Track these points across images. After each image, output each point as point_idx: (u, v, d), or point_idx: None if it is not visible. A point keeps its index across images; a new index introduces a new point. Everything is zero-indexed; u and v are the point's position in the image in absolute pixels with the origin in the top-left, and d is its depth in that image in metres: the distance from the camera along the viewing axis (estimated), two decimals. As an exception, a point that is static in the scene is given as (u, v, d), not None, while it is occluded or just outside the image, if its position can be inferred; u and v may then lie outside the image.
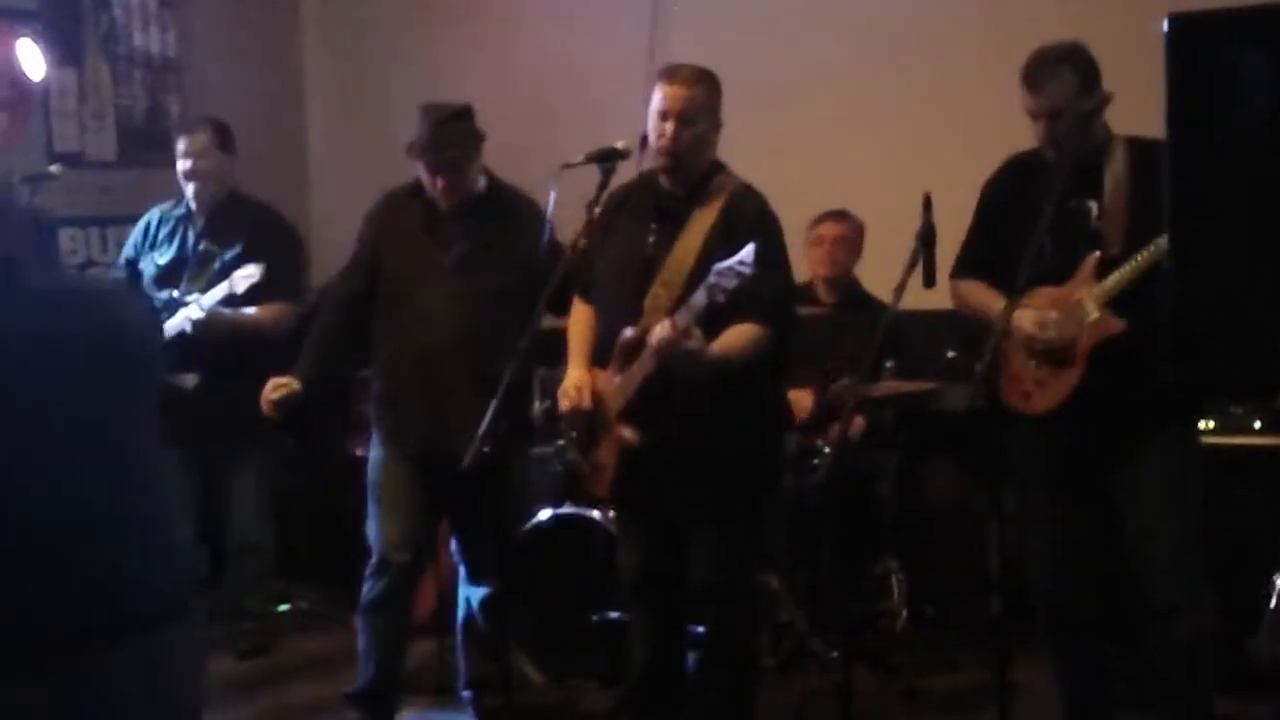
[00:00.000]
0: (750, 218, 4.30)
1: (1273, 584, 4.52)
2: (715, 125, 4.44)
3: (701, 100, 4.40)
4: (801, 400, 5.81)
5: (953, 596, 6.03)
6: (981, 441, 4.44)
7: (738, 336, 4.22)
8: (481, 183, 5.02)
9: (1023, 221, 4.20)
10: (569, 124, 6.86)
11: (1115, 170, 4.34)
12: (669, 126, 4.36)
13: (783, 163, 6.72)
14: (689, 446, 4.34)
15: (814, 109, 6.74)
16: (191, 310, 5.63)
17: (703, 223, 4.33)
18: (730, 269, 4.00)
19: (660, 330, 4.14)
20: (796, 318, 4.66)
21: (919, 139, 6.51)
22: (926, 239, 4.18)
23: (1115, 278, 4.22)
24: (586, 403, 4.46)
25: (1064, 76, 4.27)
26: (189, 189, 6.04)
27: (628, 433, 4.37)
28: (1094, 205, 4.32)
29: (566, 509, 5.51)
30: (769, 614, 5.55)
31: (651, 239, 4.41)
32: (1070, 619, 4.52)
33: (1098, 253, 4.28)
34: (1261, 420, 5.35)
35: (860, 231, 6.16)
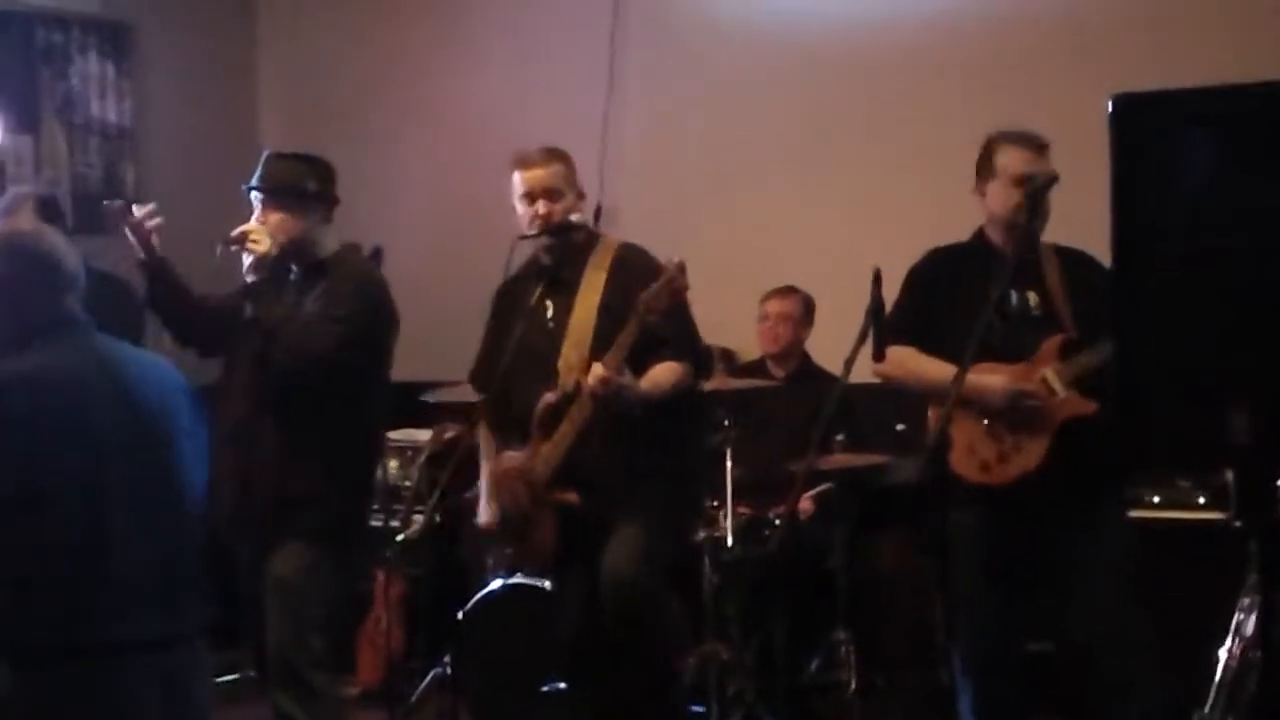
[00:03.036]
0: (640, 264, 4.47)
1: (1218, 658, 4.54)
2: (580, 194, 4.62)
3: (562, 174, 4.57)
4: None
5: (903, 666, 6.05)
6: (931, 514, 4.47)
7: (663, 371, 4.39)
8: (326, 250, 4.73)
9: (959, 301, 4.25)
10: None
11: (1051, 263, 4.44)
12: (540, 206, 4.53)
13: (734, 237, 6.81)
14: (617, 499, 4.46)
15: (765, 184, 6.81)
16: None
17: (595, 281, 4.50)
18: (661, 290, 4.13)
19: (595, 372, 4.24)
20: (709, 356, 4.84)
21: (869, 214, 6.58)
22: (877, 313, 4.22)
23: (1082, 360, 4.27)
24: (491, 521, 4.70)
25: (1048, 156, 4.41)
26: None
27: (569, 496, 4.45)
28: (1034, 296, 4.40)
29: (517, 579, 5.51)
30: (719, 685, 5.54)
31: (550, 311, 4.57)
32: (1000, 695, 4.50)
33: (1061, 336, 4.34)
34: (1205, 495, 5.40)
35: (808, 306, 6.21)
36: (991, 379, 4.31)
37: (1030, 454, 4.33)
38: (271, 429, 4.50)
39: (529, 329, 4.57)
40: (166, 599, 3.34)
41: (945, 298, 4.41)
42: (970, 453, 4.41)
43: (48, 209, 5.76)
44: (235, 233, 4.50)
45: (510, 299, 4.68)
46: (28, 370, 3.26)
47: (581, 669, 4.71)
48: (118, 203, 4.64)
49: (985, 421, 4.39)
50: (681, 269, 4.21)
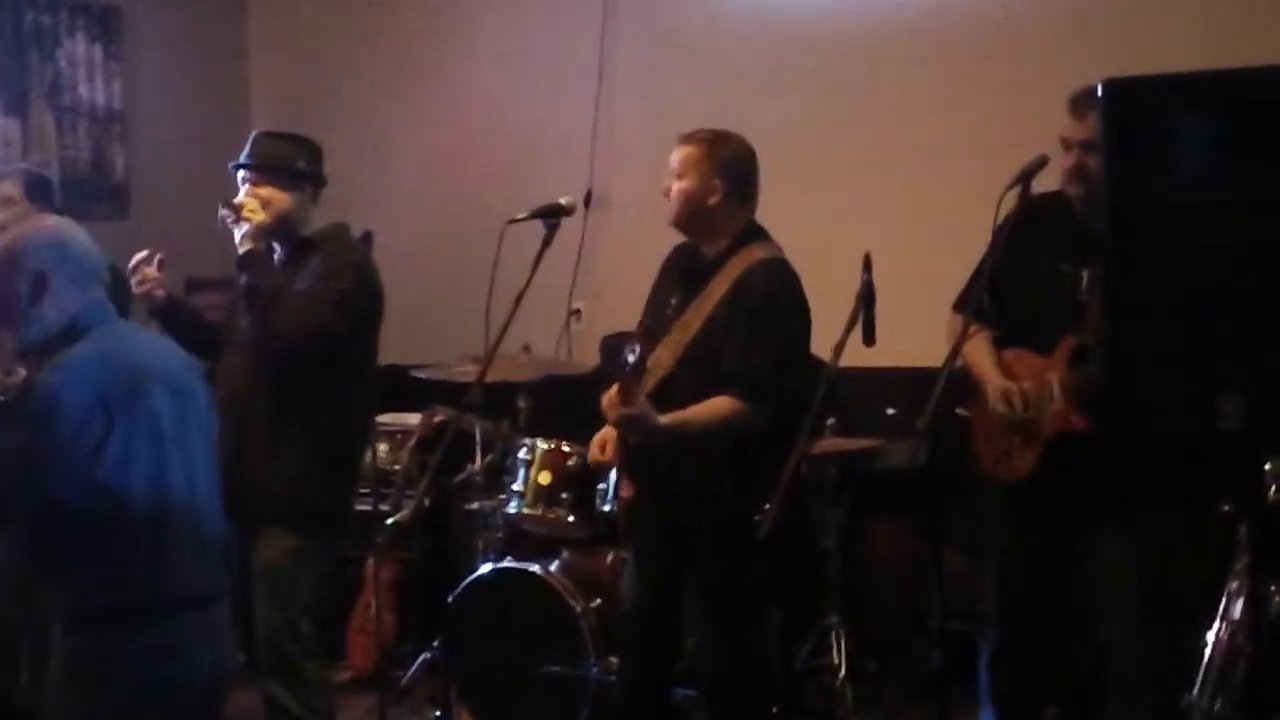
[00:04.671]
0: (757, 292, 4.30)
1: (1206, 642, 4.54)
2: (712, 186, 4.39)
3: (690, 156, 4.42)
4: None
5: (894, 651, 6.06)
6: (923, 497, 4.47)
7: (707, 408, 4.22)
8: (311, 228, 4.72)
9: (1030, 269, 4.22)
10: (514, 179, 6.91)
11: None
12: (666, 182, 4.45)
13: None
14: (669, 501, 4.38)
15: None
16: None
17: (717, 291, 4.34)
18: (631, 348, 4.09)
19: (607, 396, 4.20)
20: (794, 398, 4.35)
21: (860, 198, 6.57)
22: (867, 298, 4.21)
23: (1088, 372, 4.14)
24: (606, 456, 4.54)
25: (1095, 115, 4.26)
26: None
27: (624, 487, 4.48)
28: (1085, 275, 4.25)
29: (507, 562, 5.51)
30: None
31: (675, 300, 4.46)
32: (1020, 680, 4.50)
33: (1074, 339, 4.22)
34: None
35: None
36: (991, 376, 4.30)
37: (1022, 461, 4.30)
38: (261, 410, 4.50)
39: (656, 311, 4.52)
40: (206, 561, 3.59)
41: (1025, 258, 4.29)
42: (988, 444, 4.41)
43: (37, 187, 5.72)
44: (232, 201, 4.53)
45: (665, 269, 4.61)
46: (96, 355, 3.44)
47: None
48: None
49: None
50: (635, 375, 4.09)
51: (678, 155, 4.44)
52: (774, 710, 4.80)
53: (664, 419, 4.16)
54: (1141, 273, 2.85)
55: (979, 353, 4.44)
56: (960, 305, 4.55)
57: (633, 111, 7.15)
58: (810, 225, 6.61)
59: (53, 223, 3.73)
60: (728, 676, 4.49)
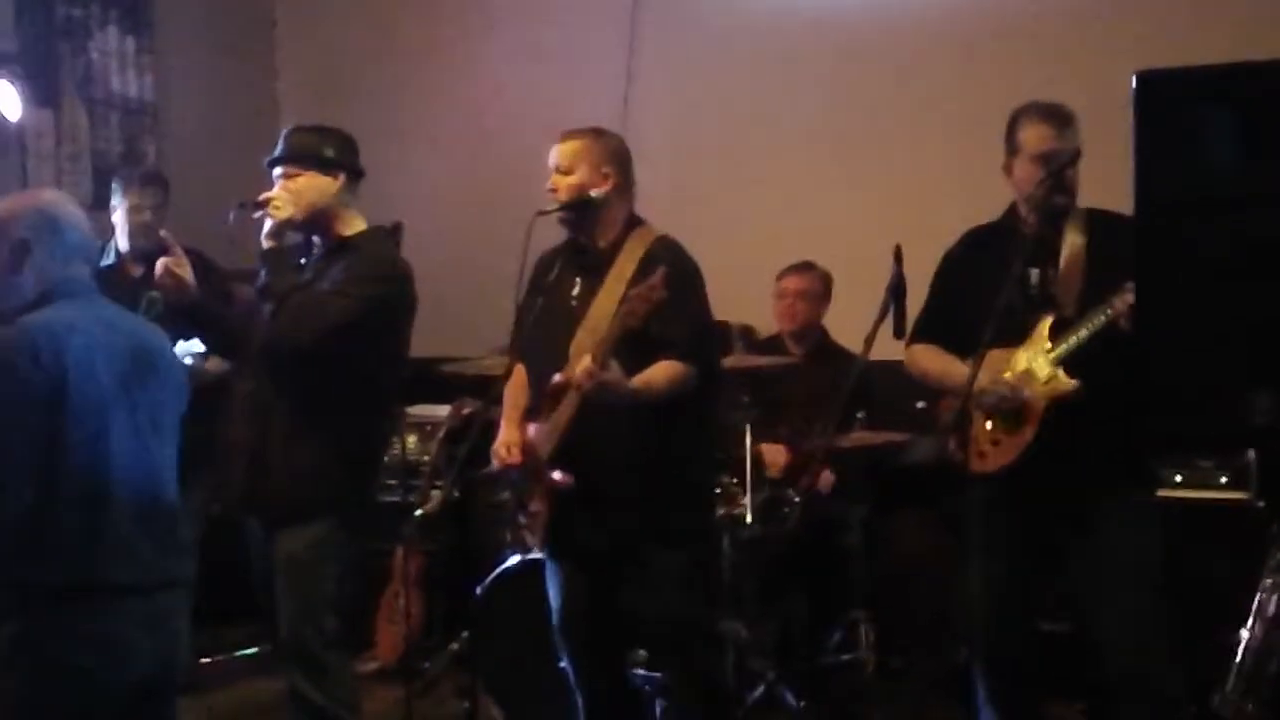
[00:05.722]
0: (668, 265, 4.34)
1: (1238, 638, 4.53)
2: (602, 175, 4.49)
3: (577, 150, 4.51)
4: (774, 455, 5.85)
5: (920, 646, 6.05)
6: (948, 493, 4.46)
7: (658, 370, 4.30)
8: (351, 228, 4.69)
9: (982, 287, 4.19)
10: (542, 170, 6.91)
11: (1074, 237, 4.33)
12: (553, 180, 4.52)
13: (753, 214, 6.81)
14: (613, 485, 4.39)
15: (785, 161, 6.79)
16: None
17: (624, 270, 4.41)
18: (640, 294, 4.09)
19: (580, 365, 4.20)
20: (716, 358, 4.68)
21: (890, 190, 6.57)
22: (897, 290, 4.21)
23: (1068, 339, 4.19)
24: (515, 458, 4.53)
25: (1074, 129, 4.32)
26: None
27: (558, 475, 4.41)
28: (1035, 272, 4.31)
29: (534, 555, 5.51)
30: (737, 663, 5.54)
31: (575, 290, 4.51)
32: (1011, 675, 4.46)
33: (1051, 316, 4.25)
34: (1227, 475, 5.38)
35: (826, 282, 6.18)
36: (960, 367, 4.25)
37: (1016, 442, 4.26)
38: (281, 405, 4.50)
39: (551, 304, 4.55)
40: (155, 545, 3.54)
41: (973, 282, 4.33)
42: (973, 441, 4.38)
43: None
44: (260, 198, 4.50)
45: (545, 270, 4.65)
46: (50, 321, 3.44)
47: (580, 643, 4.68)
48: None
49: (984, 412, 4.36)
50: (664, 279, 4.16)
51: (562, 151, 4.53)
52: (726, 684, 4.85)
53: (632, 382, 4.23)
54: (1172, 267, 2.84)
55: (937, 358, 4.48)
56: (914, 338, 4.55)
57: (660, 101, 7.15)
58: (840, 218, 6.63)
59: (49, 197, 3.75)
60: (687, 659, 4.57)
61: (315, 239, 4.66)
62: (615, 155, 4.55)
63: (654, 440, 4.36)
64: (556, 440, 4.40)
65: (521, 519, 4.65)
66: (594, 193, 4.43)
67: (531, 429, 4.53)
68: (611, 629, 4.64)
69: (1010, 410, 4.26)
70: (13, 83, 6.59)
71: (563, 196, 4.46)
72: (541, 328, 4.53)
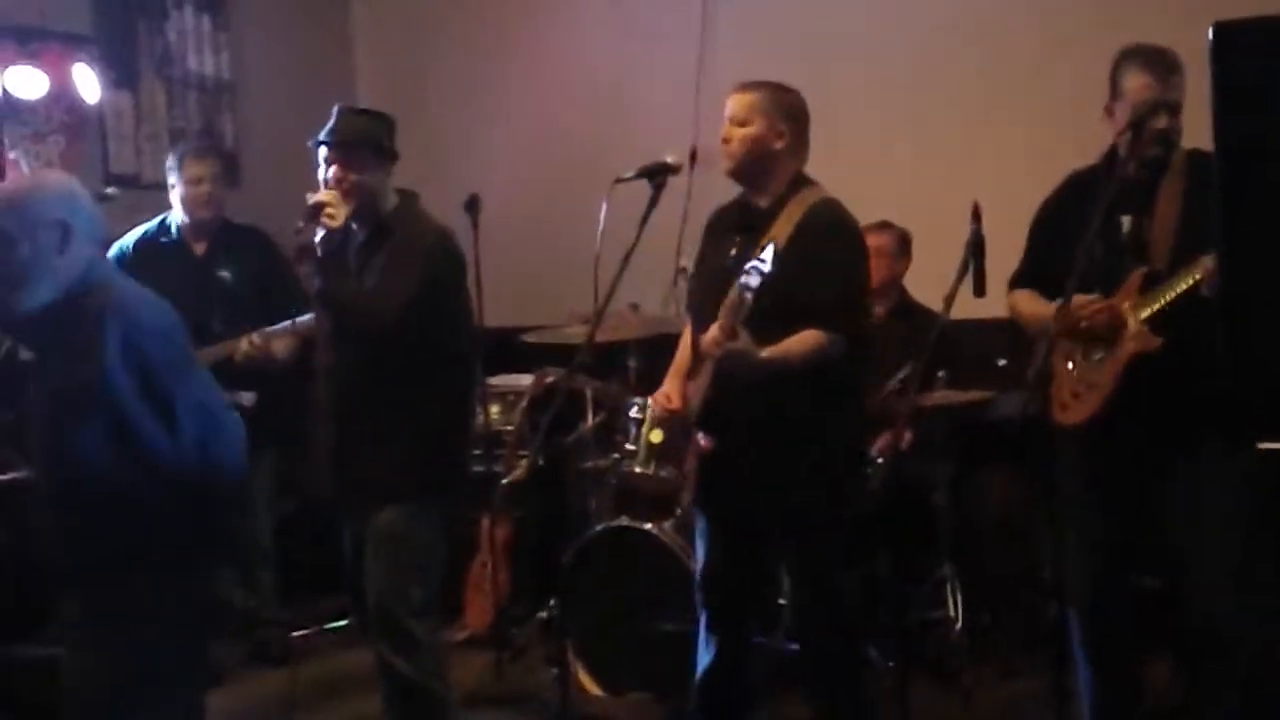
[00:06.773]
0: (820, 229, 4.32)
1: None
2: (778, 132, 4.43)
3: (755, 103, 4.43)
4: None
5: (1009, 603, 6.03)
6: (1035, 449, 4.43)
7: (796, 340, 4.24)
8: (389, 204, 4.69)
9: (1078, 233, 4.12)
10: (619, 139, 6.91)
11: (1172, 183, 4.25)
12: (726, 131, 4.44)
13: (831, 173, 6.74)
14: (754, 454, 4.37)
15: (862, 119, 6.75)
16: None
17: (781, 233, 4.32)
18: (753, 266, 4.05)
19: (709, 333, 4.19)
20: (863, 324, 4.54)
21: (969, 147, 6.53)
22: (976, 248, 4.19)
23: (1158, 295, 4.14)
24: (673, 406, 4.55)
25: (1179, 75, 4.22)
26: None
27: (701, 438, 4.43)
28: (1127, 219, 4.27)
29: (621, 521, 5.54)
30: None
31: (733, 251, 4.45)
32: (1107, 629, 4.45)
33: (1144, 268, 4.21)
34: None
35: (905, 241, 6.16)
36: (1051, 307, 4.18)
37: (1097, 394, 4.23)
38: (357, 401, 4.56)
39: (711, 263, 4.54)
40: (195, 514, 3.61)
41: (1070, 227, 4.23)
42: (1056, 392, 4.36)
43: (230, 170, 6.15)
44: (312, 202, 4.49)
45: (716, 226, 4.63)
46: (145, 291, 3.62)
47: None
48: None
49: (1069, 365, 4.33)
50: (743, 296, 4.04)
51: (739, 102, 4.45)
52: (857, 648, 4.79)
53: (764, 352, 4.18)
54: (1256, 220, 2.81)
55: (1032, 302, 4.45)
56: (1014, 285, 4.56)
57: (735, 68, 7.12)
58: (918, 176, 6.60)
59: (64, 177, 3.78)
60: (820, 625, 4.55)
61: (354, 225, 4.64)
62: (793, 111, 4.48)
63: (792, 406, 4.33)
64: (700, 402, 4.43)
65: (678, 476, 4.71)
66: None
67: (690, 387, 4.55)
68: (750, 589, 4.67)
69: (1094, 362, 4.24)
70: (91, 65, 6.67)
71: (735, 149, 4.43)
72: (702, 287, 4.53)
